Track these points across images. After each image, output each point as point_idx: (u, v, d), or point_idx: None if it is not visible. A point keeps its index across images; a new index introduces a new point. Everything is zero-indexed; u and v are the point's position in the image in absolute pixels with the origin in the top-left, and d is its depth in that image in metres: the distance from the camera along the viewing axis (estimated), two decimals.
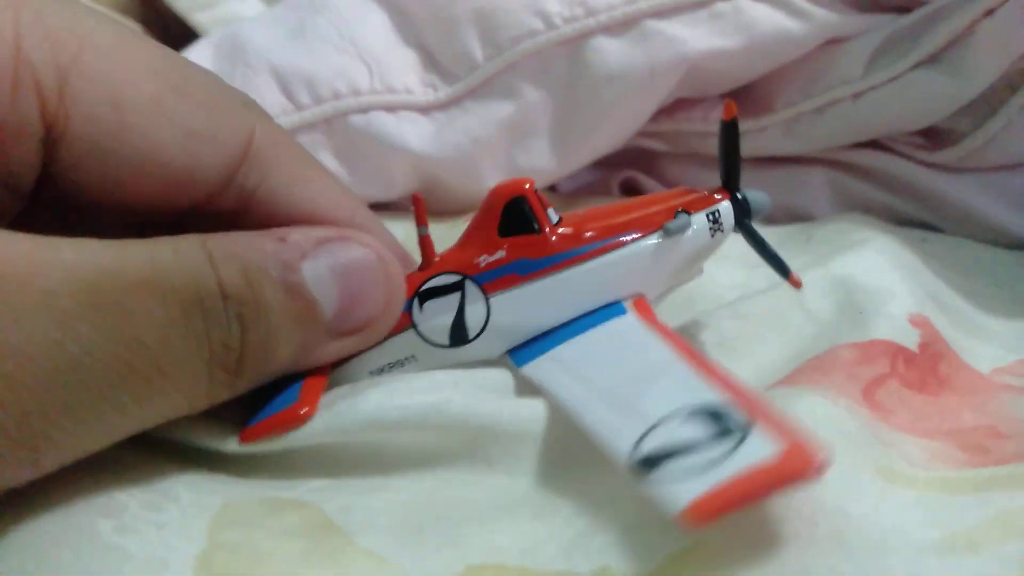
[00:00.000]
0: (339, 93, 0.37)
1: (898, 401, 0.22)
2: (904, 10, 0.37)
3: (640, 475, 0.16)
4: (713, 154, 0.41)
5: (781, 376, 0.23)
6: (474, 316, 0.22)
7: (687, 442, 0.16)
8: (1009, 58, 0.34)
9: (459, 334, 0.22)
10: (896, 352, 0.23)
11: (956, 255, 0.35)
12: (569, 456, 0.20)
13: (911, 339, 0.24)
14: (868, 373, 0.22)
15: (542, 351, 0.22)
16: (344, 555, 0.17)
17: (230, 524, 0.17)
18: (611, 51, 0.37)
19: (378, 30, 0.39)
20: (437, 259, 0.23)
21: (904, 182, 0.39)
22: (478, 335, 0.22)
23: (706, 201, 0.25)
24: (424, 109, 0.38)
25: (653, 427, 0.17)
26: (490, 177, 0.39)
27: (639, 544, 0.16)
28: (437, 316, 0.22)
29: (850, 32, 0.38)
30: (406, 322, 0.22)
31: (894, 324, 0.24)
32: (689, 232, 0.24)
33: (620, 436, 0.17)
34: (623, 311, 0.23)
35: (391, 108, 0.38)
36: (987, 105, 0.36)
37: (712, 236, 0.24)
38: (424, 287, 0.22)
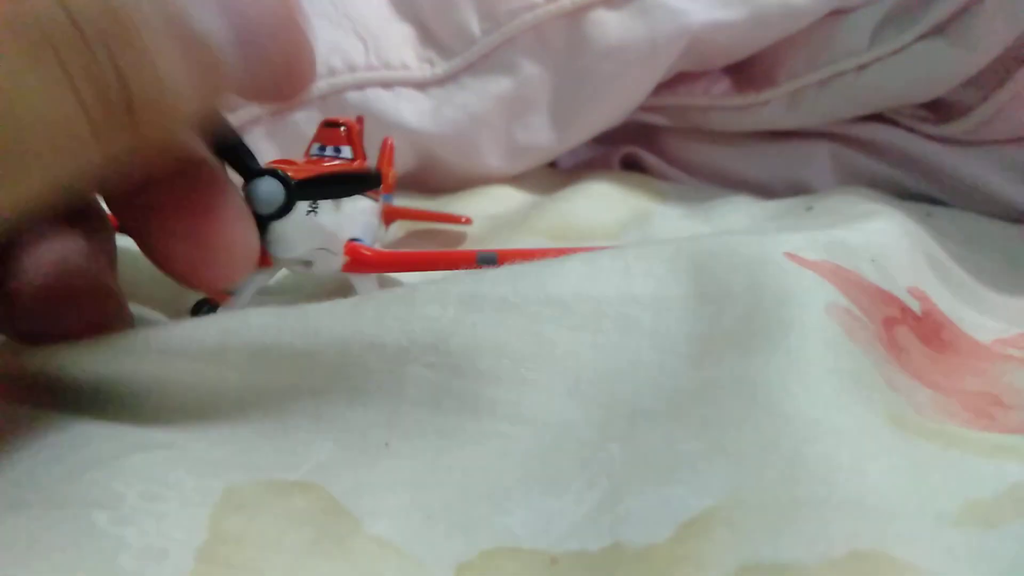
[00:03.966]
0: (335, 69, 0.36)
1: (910, 345, 0.22)
2: None
3: None
4: (716, 129, 0.41)
5: None
6: None
7: None
8: (1016, 29, 0.34)
9: None
10: (905, 307, 0.23)
11: (961, 229, 0.34)
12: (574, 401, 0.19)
13: (914, 306, 0.24)
14: (886, 310, 0.22)
15: None
16: (354, 543, 0.16)
17: (234, 510, 0.17)
18: (611, 24, 0.36)
19: (374, 4, 0.38)
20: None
21: (909, 155, 0.39)
22: None
23: None
24: (421, 85, 0.37)
25: None
26: (489, 154, 0.39)
27: (649, 515, 0.16)
28: None
29: (854, 3, 0.37)
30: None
31: (897, 287, 0.23)
32: None
33: None
34: None
35: (387, 84, 0.37)
36: (994, 77, 0.35)
37: None
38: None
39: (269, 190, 0.20)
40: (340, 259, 0.24)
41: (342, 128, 0.25)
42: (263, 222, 0.21)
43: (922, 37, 0.35)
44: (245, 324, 0.19)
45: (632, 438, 0.18)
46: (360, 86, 0.37)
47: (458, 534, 0.17)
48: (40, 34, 0.14)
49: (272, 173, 0.20)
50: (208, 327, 0.19)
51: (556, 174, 0.42)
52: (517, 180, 0.40)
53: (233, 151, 0.20)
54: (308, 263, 0.23)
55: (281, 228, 0.21)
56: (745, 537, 0.15)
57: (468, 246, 0.33)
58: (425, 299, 0.20)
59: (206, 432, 0.19)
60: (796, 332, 0.19)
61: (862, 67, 0.36)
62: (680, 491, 0.16)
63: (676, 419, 0.18)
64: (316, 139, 0.25)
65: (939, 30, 0.35)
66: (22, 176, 0.14)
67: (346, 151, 0.25)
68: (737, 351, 0.19)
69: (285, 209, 0.21)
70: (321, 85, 0.36)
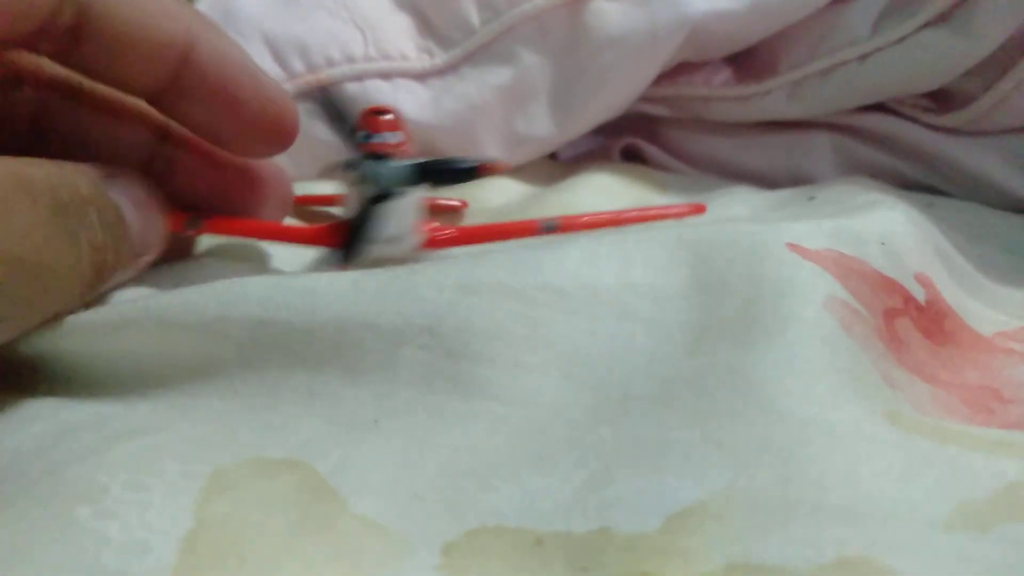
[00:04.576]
0: (333, 60, 0.36)
1: (911, 338, 0.22)
2: None
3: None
4: (717, 119, 0.41)
5: None
6: None
7: None
8: (1019, 18, 0.34)
9: None
10: (908, 296, 0.23)
11: (964, 220, 0.34)
12: (565, 384, 0.19)
13: (919, 294, 0.23)
14: (888, 301, 0.22)
15: None
16: (339, 523, 0.16)
17: (220, 492, 0.16)
18: (612, 13, 0.36)
19: None
20: None
21: (911, 146, 0.38)
22: None
23: None
24: (420, 76, 0.37)
25: None
26: (488, 145, 0.38)
27: (639, 503, 0.16)
28: None
29: None
30: None
31: (904, 275, 0.23)
32: None
33: None
34: None
35: (386, 75, 0.37)
36: (997, 66, 0.35)
37: None
38: None
39: (395, 168, 0.23)
40: (414, 239, 0.25)
41: (390, 116, 0.24)
42: (369, 203, 0.23)
43: (924, 26, 0.35)
44: (244, 297, 0.19)
45: (623, 422, 0.18)
46: (359, 77, 0.36)
47: (444, 512, 0.17)
48: (56, 199, 0.18)
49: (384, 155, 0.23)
50: (208, 298, 0.19)
51: (556, 165, 0.42)
52: (517, 171, 0.39)
53: (348, 126, 0.23)
54: (396, 242, 0.24)
55: (384, 208, 0.23)
56: (735, 535, 0.15)
57: None
58: (423, 281, 0.20)
59: (196, 408, 0.19)
60: (793, 327, 0.19)
61: (864, 57, 0.36)
62: (671, 481, 0.16)
63: (669, 405, 0.18)
64: (362, 127, 0.24)
65: (942, 19, 0.35)
66: (31, 295, 0.18)
67: (397, 136, 0.25)
68: (733, 343, 0.19)
69: (400, 189, 0.23)
70: (320, 76, 0.36)
